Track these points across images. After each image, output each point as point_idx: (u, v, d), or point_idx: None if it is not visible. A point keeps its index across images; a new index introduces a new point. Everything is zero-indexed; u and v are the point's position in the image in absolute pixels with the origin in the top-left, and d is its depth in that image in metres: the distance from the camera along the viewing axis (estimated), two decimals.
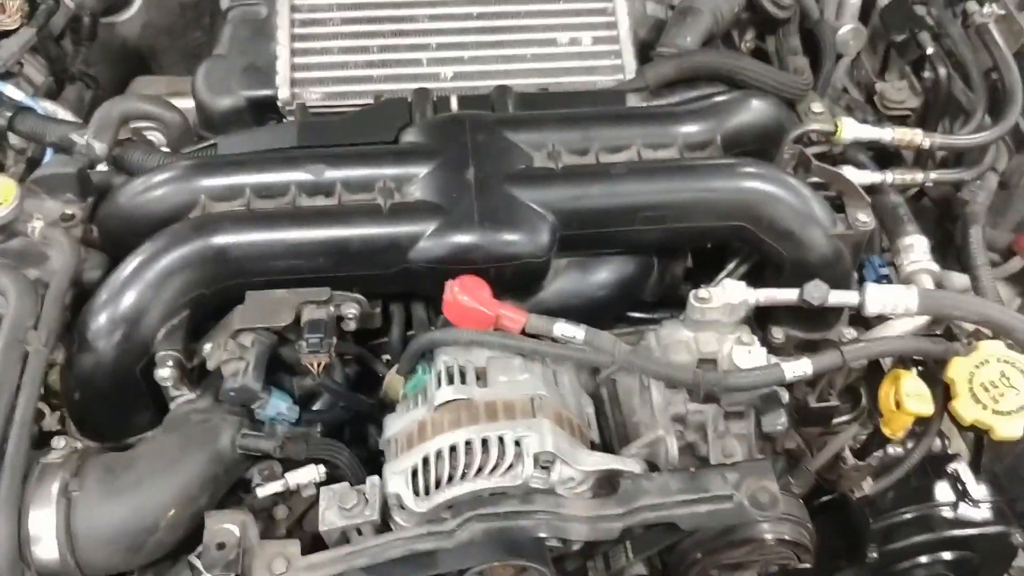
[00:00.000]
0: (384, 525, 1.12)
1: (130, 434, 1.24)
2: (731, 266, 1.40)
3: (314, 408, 1.25)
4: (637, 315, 1.45)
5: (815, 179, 1.35)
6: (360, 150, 1.33)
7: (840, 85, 1.81)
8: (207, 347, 1.19)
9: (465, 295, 1.17)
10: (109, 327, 1.18)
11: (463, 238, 1.21)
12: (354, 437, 1.34)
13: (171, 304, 1.19)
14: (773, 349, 1.33)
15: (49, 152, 1.52)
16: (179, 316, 1.20)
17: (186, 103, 1.56)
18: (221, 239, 1.19)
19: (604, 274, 1.36)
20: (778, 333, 1.36)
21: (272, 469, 1.18)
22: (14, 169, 1.57)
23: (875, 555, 1.34)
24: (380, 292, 1.29)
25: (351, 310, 1.22)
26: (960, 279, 1.52)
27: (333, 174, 1.27)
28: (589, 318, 1.31)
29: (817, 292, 1.22)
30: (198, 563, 1.07)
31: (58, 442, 1.12)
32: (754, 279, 1.36)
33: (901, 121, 1.70)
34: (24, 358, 1.10)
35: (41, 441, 1.18)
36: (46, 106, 1.63)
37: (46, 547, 1.04)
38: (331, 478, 1.19)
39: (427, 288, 1.25)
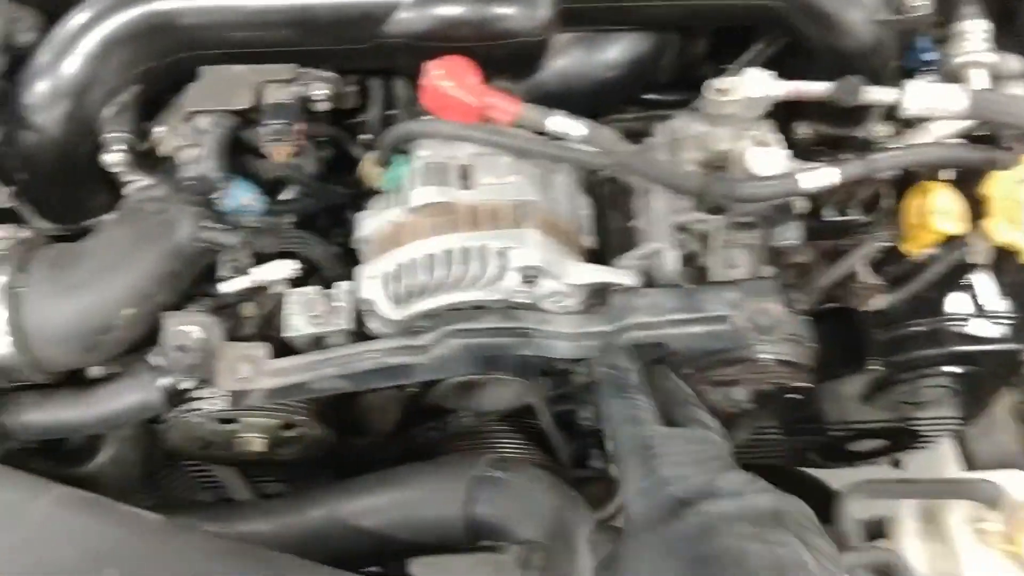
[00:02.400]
0: (358, 330, 1.06)
1: (88, 216, 1.14)
2: (756, 48, 1.23)
3: (283, 197, 1.14)
4: (649, 96, 1.30)
5: None
6: None
7: None
8: (160, 130, 1.07)
9: (448, 80, 1.02)
10: (49, 101, 1.05)
11: (446, 9, 1.05)
12: (331, 224, 1.24)
13: (117, 78, 1.05)
14: (795, 146, 1.20)
15: None
16: (128, 92, 1.06)
17: None
18: (169, 3, 1.03)
19: (614, 52, 1.19)
20: (802, 128, 1.21)
21: (239, 261, 1.10)
22: None
23: (877, 367, 1.28)
24: (355, 68, 1.14)
25: (320, 90, 1.08)
26: (1016, 62, 1.34)
27: None
28: (595, 102, 1.18)
29: (851, 88, 1.08)
30: (159, 362, 1.02)
31: (1, 231, 1.03)
32: (780, 64, 1.21)
33: None
34: None
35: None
36: None
37: None
38: (306, 272, 1.12)
39: (406, 66, 1.11)
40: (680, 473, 0.75)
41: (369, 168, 1.12)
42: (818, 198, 1.13)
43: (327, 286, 1.08)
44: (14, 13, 1.08)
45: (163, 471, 1.28)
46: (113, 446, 1.12)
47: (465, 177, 1.05)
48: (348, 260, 1.13)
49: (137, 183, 1.08)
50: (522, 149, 1.04)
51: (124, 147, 1.06)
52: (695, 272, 1.09)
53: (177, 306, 1.06)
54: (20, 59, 1.07)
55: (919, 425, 1.52)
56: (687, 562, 0.68)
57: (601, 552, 0.91)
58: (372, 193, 1.13)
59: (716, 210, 1.06)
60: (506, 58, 1.10)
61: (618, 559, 0.74)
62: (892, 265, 1.23)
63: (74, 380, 1.07)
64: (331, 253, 1.14)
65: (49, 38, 1.05)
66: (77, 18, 1.04)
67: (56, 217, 1.14)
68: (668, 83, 1.28)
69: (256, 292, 1.10)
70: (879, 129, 1.21)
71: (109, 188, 1.12)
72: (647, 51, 1.20)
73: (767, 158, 1.07)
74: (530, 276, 0.99)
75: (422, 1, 1.05)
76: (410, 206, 1.02)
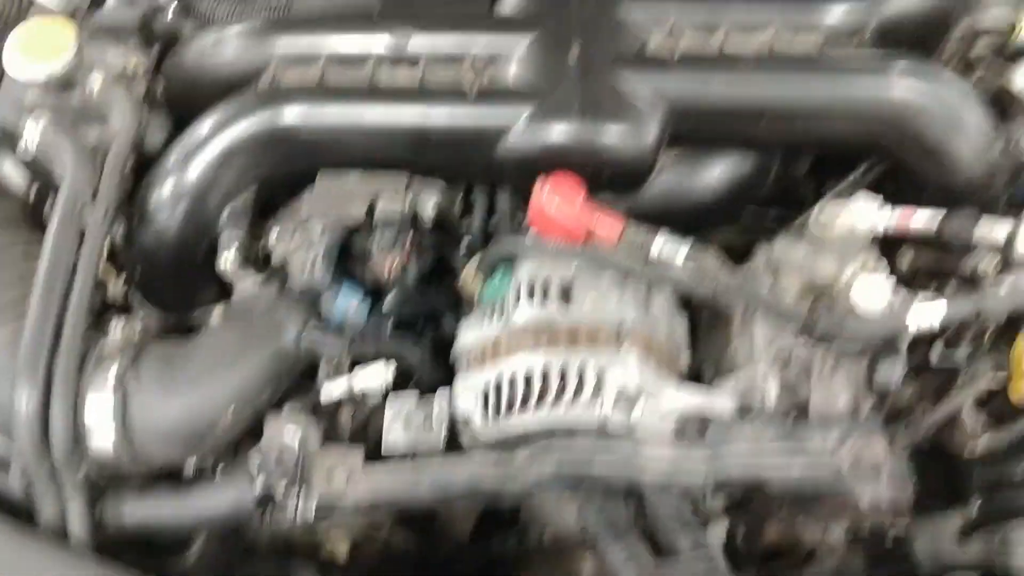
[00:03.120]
0: (451, 442, 1.06)
1: (195, 307, 1.18)
2: (860, 172, 1.22)
3: (385, 300, 1.16)
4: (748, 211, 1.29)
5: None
6: (452, 13, 1.17)
7: None
8: (274, 233, 1.10)
9: (556, 200, 1.04)
10: (172, 201, 1.09)
11: (555, 136, 1.06)
12: (428, 323, 1.25)
13: (236, 183, 1.10)
14: (897, 273, 1.19)
15: None
16: (245, 195, 1.11)
17: None
18: (291, 118, 1.07)
19: (715, 174, 1.19)
20: (906, 256, 1.19)
21: (340, 365, 1.11)
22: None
23: (975, 506, 1.23)
24: (462, 180, 1.17)
25: (428, 201, 1.11)
26: None
27: (420, 42, 1.11)
28: (696, 220, 1.19)
29: (963, 227, 1.07)
30: (257, 465, 1.03)
31: (115, 324, 1.06)
32: (883, 185, 1.19)
33: None
34: (81, 235, 1.03)
35: (104, 310, 1.13)
36: None
37: (101, 435, 1.00)
38: (401, 374, 1.12)
39: (513, 181, 1.13)
40: None
41: (470, 278, 1.13)
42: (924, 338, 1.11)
43: (423, 390, 1.08)
44: (146, 117, 1.13)
45: (242, 566, 1.28)
46: (203, 541, 1.12)
47: (566, 294, 1.05)
48: (444, 363, 1.14)
49: (248, 282, 1.11)
50: (625, 270, 1.05)
51: (237, 247, 1.09)
52: (795, 402, 1.07)
53: (277, 403, 1.08)
54: (147, 160, 1.11)
55: (1015, 567, 1.45)
56: None
57: None
58: (471, 299, 1.14)
59: (820, 339, 1.05)
60: (612, 178, 1.11)
61: None
62: (997, 403, 1.19)
63: (170, 475, 1.08)
64: (428, 358, 1.15)
65: (177, 142, 1.10)
66: (203, 126, 1.09)
67: (165, 306, 1.18)
68: (768, 199, 1.28)
69: (354, 397, 1.11)
70: (987, 261, 1.19)
71: (219, 282, 1.15)
72: (749, 173, 1.21)
73: (873, 289, 1.05)
74: (627, 398, 0.99)
75: (532, 128, 1.07)
76: (511, 321, 1.03)
